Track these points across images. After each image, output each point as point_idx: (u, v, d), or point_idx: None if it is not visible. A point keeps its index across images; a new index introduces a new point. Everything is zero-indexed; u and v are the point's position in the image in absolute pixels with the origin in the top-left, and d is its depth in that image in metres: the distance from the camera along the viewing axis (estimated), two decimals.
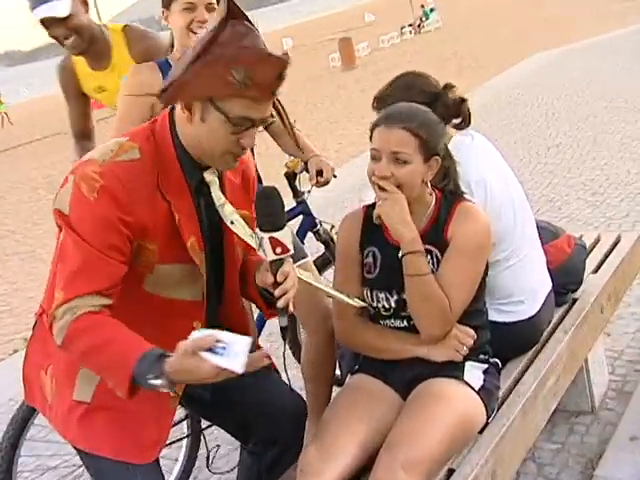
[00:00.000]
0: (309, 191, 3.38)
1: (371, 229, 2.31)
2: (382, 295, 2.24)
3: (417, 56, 21.75)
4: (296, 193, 3.36)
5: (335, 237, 3.25)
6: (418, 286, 2.12)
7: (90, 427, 1.90)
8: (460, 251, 2.18)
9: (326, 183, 3.15)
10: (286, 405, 2.17)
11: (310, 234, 3.40)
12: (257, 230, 1.85)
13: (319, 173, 3.10)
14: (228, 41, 1.69)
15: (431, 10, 32.71)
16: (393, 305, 2.23)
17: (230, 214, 1.92)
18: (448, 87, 2.45)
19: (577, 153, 6.89)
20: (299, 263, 2.74)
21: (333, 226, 3.40)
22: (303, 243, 3.15)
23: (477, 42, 20.97)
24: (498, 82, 12.29)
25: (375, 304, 2.27)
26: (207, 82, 1.71)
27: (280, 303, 1.85)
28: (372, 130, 2.20)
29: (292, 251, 1.86)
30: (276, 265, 1.85)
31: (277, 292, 1.84)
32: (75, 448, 1.99)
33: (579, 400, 3.03)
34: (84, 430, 1.90)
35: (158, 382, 1.63)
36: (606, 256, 3.28)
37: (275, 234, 1.81)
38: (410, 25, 30.78)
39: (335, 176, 3.18)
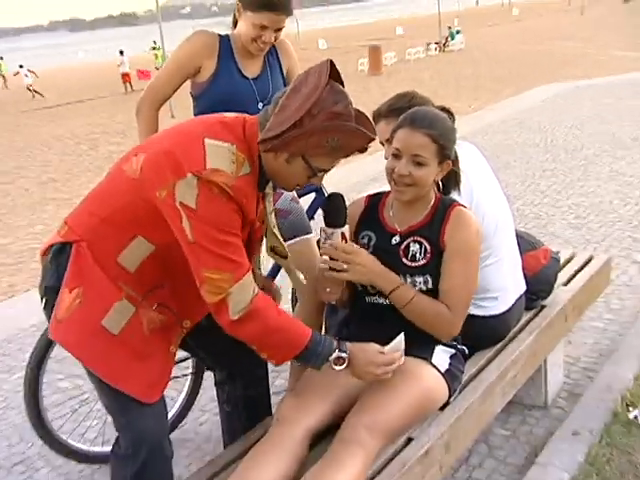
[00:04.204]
0: None
1: (370, 216, 2.37)
2: None
3: (438, 72, 21.64)
4: None
5: None
6: (412, 310, 2.19)
7: (109, 356, 1.90)
8: (457, 256, 2.22)
9: None
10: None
11: (320, 211, 3.41)
12: (325, 227, 2.12)
13: None
14: (327, 107, 1.82)
15: (457, 32, 32.56)
16: None
17: (273, 220, 2.15)
18: (445, 110, 2.42)
19: (568, 179, 6.89)
20: (302, 238, 2.78)
21: None
22: (313, 219, 3.15)
23: (494, 67, 20.86)
24: (508, 105, 12.24)
25: None
26: (306, 145, 1.86)
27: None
28: (395, 131, 2.22)
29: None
30: None
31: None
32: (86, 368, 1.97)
33: (534, 395, 3.09)
34: (103, 357, 1.90)
35: (344, 355, 1.96)
36: (577, 272, 3.33)
37: (343, 229, 2.11)
38: (436, 43, 30.54)
39: None
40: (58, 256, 1.95)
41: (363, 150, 1.95)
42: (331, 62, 1.88)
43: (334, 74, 1.88)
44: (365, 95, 16.24)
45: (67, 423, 3.07)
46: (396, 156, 2.20)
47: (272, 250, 2.26)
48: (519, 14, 54.15)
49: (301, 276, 2.48)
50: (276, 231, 2.20)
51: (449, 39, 31.93)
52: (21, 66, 32.09)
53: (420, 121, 2.17)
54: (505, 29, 39.49)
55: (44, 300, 2.00)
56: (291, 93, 1.87)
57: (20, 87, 32.15)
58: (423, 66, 24.43)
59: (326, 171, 1.97)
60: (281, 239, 2.22)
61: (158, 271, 1.95)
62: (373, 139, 1.91)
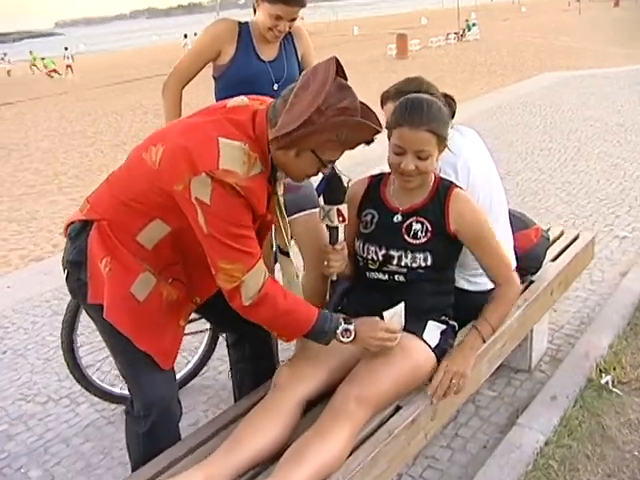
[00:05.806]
0: None
1: (373, 194, 2.14)
2: (373, 248, 2.05)
3: (456, 58, 20.95)
4: None
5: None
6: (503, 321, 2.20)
7: (134, 320, 1.75)
8: (478, 240, 2.04)
9: None
10: None
11: None
12: (323, 204, 1.91)
13: None
14: (335, 103, 1.60)
15: (473, 24, 31.55)
16: (380, 258, 2.04)
17: (282, 203, 1.94)
18: (448, 97, 2.19)
19: (562, 158, 6.50)
20: (310, 212, 2.53)
21: (350, 179, 3.16)
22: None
23: (505, 55, 20.12)
24: (514, 89, 11.68)
25: (365, 255, 2.07)
26: (317, 141, 1.65)
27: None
28: (394, 128, 1.94)
29: (347, 222, 1.93)
30: (336, 231, 1.93)
31: (333, 258, 1.95)
32: (105, 330, 1.80)
33: (520, 360, 2.85)
34: (130, 319, 1.75)
35: (351, 327, 1.79)
36: (564, 249, 3.04)
37: (340, 206, 1.88)
38: (455, 33, 29.56)
39: None
40: (80, 233, 1.78)
41: (369, 142, 1.72)
42: (336, 59, 1.63)
43: (339, 70, 1.64)
44: (392, 75, 15.75)
45: (100, 368, 2.90)
46: (399, 153, 1.94)
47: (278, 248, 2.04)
48: (527, 11, 52.08)
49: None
50: (284, 213, 1.96)
51: (466, 30, 30.94)
52: (66, 48, 31.34)
53: (419, 118, 1.89)
54: (515, 23, 37.94)
55: (66, 272, 1.84)
56: (299, 91, 1.64)
57: (98, 68, 31.96)
58: (443, 53, 23.71)
59: (333, 162, 1.75)
60: (286, 221, 1.97)
61: (173, 250, 1.78)
62: (379, 132, 1.67)
